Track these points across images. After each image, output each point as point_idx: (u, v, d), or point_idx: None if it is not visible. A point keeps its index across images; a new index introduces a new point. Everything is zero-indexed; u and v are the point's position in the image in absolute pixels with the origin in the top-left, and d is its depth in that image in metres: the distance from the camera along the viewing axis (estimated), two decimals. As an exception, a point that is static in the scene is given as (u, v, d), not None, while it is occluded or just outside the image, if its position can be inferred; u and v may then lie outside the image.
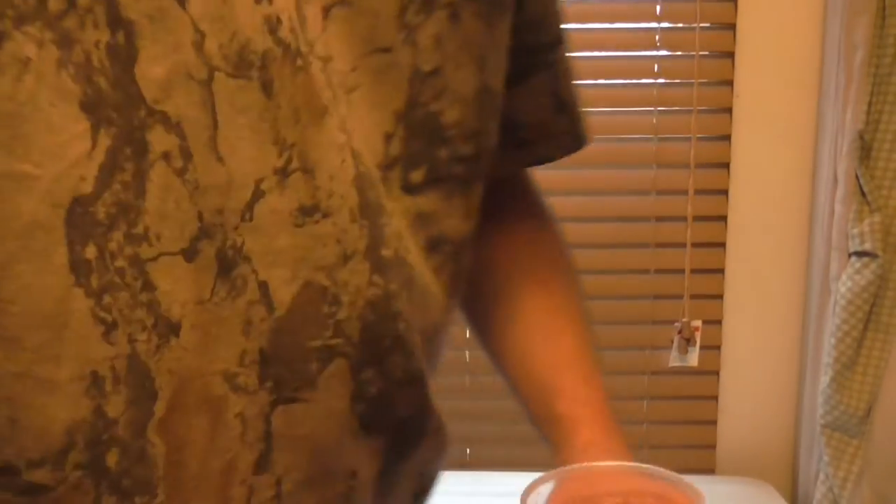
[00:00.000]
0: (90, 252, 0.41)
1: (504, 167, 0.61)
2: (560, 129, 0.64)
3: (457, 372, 1.79)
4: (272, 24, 0.43)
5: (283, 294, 0.45)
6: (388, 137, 0.49)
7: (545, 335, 0.64)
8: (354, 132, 0.46)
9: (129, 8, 0.40)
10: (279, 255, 0.44)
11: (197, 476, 0.45)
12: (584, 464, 0.54)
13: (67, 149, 0.40)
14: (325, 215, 0.45)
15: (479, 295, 0.65)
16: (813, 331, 1.73)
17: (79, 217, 0.41)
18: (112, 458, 0.43)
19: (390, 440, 0.54)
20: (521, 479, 0.51)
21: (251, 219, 0.43)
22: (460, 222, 0.55)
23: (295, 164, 0.44)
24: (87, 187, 0.41)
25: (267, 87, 0.43)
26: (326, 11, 0.45)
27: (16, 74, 0.40)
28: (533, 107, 0.62)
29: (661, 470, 0.52)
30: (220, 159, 0.42)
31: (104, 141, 0.41)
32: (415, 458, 0.57)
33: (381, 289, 0.48)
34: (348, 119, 0.46)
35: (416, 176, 0.51)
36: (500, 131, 0.57)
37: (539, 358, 0.63)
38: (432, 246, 0.54)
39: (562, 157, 0.65)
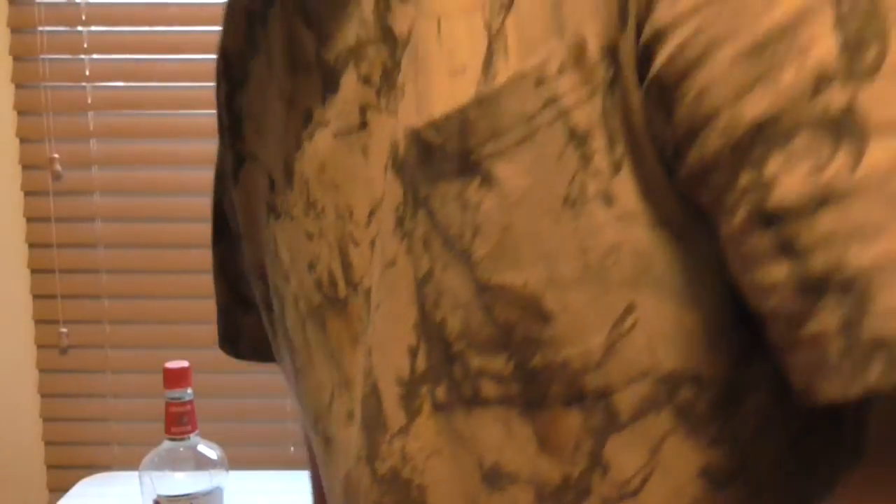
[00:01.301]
0: None
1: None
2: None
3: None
4: (319, 285, 0.56)
5: (342, 469, 0.56)
6: (413, 352, 0.50)
7: None
8: (380, 349, 0.52)
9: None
10: (340, 443, 0.56)
11: None
12: None
13: None
14: (355, 422, 0.55)
15: None
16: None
17: None
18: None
19: None
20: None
21: (330, 413, 0.57)
22: (531, 457, 0.47)
23: (339, 380, 0.56)
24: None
25: (323, 327, 0.56)
26: (371, 246, 0.53)
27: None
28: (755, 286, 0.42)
29: None
30: (312, 374, 0.58)
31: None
32: None
33: (376, 495, 0.53)
34: (373, 337, 0.53)
35: (441, 394, 0.49)
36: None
37: None
38: (489, 479, 0.49)
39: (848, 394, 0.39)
